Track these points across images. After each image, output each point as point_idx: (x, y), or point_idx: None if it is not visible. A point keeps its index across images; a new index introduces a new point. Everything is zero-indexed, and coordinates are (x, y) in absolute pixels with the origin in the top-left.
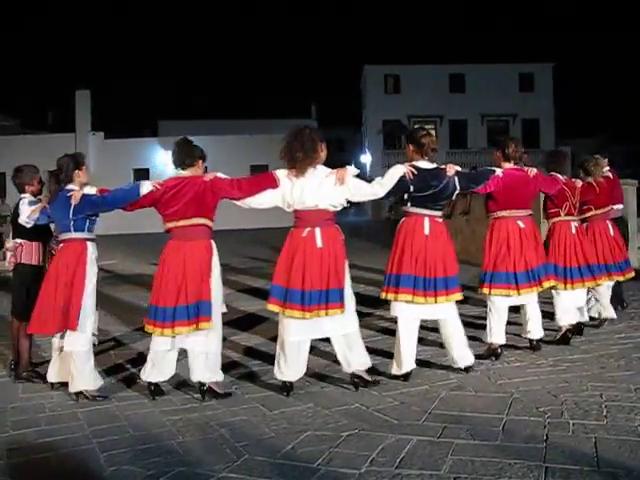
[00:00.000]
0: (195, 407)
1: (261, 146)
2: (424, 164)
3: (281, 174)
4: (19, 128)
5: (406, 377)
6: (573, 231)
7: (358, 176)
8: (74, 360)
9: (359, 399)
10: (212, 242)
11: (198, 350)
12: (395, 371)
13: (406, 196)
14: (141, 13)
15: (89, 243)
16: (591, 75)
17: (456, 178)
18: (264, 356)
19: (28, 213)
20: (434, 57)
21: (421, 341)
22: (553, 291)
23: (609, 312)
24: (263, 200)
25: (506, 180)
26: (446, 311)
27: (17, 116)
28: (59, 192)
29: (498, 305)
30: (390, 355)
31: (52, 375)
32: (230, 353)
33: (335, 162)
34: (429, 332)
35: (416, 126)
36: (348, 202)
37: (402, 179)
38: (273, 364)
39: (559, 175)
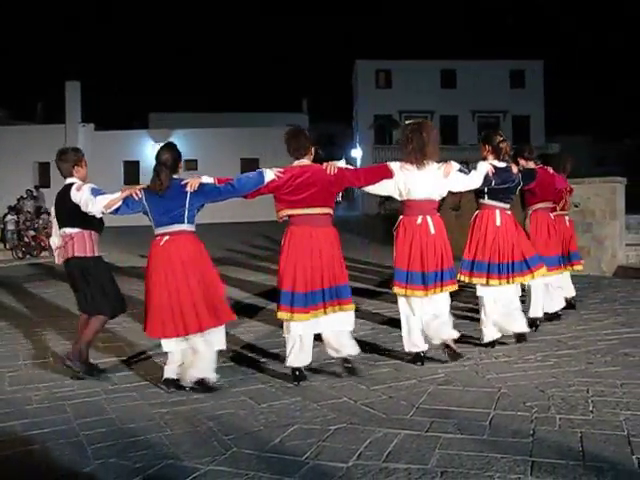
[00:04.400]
0: (183, 400)
1: (252, 139)
2: (498, 163)
3: (395, 166)
4: (8, 119)
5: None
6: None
7: (460, 170)
8: (207, 353)
9: (347, 393)
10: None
11: (339, 329)
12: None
13: (486, 189)
14: (133, 3)
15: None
16: (581, 73)
17: (520, 175)
18: (251, 348)
19: (105, 202)
20: (426, 52)
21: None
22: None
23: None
24: (380, 188)
25: (540, 176)
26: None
27: (6, 107)
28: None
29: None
30: (384, 350)
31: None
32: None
33: (326, 157)
34: None
35: (408, 121)
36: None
37: (487, 174)
38: (268, 356)
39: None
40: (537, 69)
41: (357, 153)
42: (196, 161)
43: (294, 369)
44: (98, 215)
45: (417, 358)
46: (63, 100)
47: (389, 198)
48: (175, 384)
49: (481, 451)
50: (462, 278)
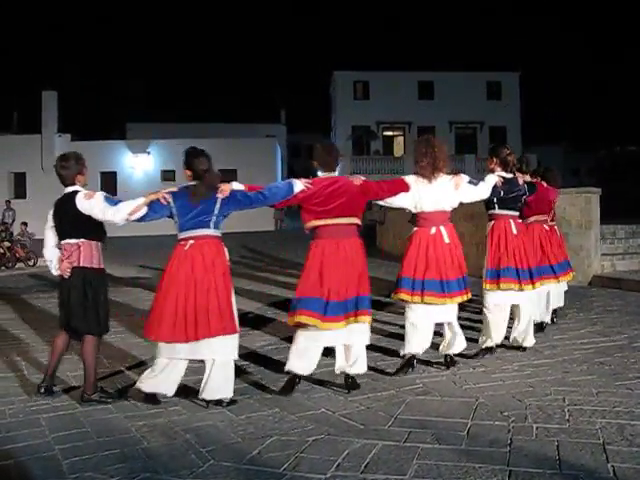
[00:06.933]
0: (160, 412)
1: (230, 150)
2: (505, 174)
3: (411, 180)
4: None
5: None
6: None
7: (470, 182)
8: (224, 368)
9: (325, 404)
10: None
11: (359, 342)
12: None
13: (495, 199)
14: (111, 13)
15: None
16: (557, 84)
17: (525, 185)
18: None
19: (130, 209)
20: (403, 64)
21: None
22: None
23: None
24: (397, 201)
25: (539, 189)
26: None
27: None
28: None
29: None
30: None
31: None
32: None
33: (305, 167)
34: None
35: (386, 133)
36: None
37: (495, 185)
38: (245, 368)
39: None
40: (513, 80)
41: None
42: (174, 172)
43: (295, 375)
44: (121, 223)
45: (409, 363)
46: (39, 110)
47: (369, 208)
48: (153, 399)
49: (459, 461)
50: (488, 287)
